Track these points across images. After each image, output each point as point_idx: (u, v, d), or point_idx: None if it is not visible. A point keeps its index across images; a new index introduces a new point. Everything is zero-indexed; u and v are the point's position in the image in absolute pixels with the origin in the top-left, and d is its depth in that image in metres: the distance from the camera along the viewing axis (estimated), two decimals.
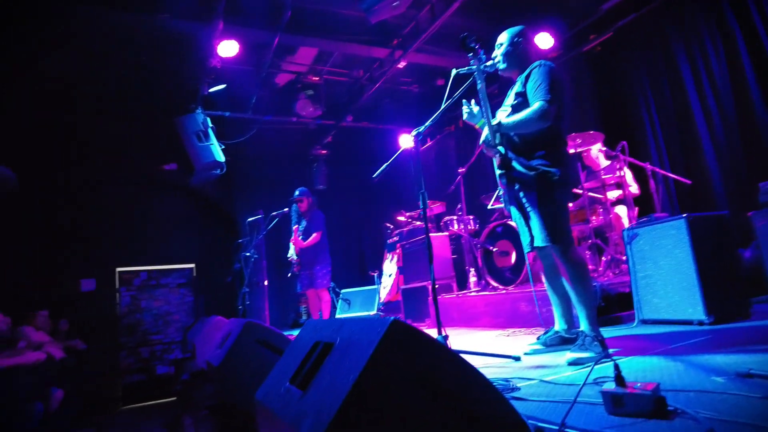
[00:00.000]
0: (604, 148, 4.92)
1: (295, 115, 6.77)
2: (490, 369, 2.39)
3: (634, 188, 4.93)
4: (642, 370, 1.91)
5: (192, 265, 8.38)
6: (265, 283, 5.58)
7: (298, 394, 1.37)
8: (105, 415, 6.86)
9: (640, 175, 4.92)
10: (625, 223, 4.71)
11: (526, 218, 2.64)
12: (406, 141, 8.54)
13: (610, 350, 2.44)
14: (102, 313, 7.45)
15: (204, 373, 4.52)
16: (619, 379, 1.39)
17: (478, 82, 2.55)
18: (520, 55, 2.72)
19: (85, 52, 5.07)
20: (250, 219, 6.21)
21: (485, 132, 2.59)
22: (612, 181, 4.75)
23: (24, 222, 6.78)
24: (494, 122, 2.55)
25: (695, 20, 4.78)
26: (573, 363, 2.27)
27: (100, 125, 6.83)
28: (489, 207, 4.80)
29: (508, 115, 2.57)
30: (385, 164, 2.78)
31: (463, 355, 2.50)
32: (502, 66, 2.74)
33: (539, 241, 2.49)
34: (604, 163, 5.07)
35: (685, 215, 3.05)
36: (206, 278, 8.33)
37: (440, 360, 1.24)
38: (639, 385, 1.37)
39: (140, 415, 6.98)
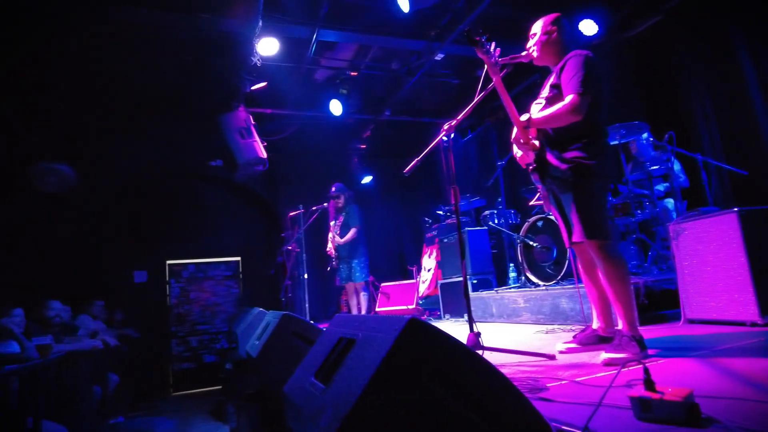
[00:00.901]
0: (651, 139, 4.70)
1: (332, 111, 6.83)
2: (522, 367, 2.34)
3: (683, 180, 4.69)
4: (680, 373, 1.82)
5: (237, 258, 8.65)
6: (305, 276, 5.69)
7: (320, 388, 1.40)
8: (157, 400, 7.22)
9: (690, 167, 4.67)
10: (674, 216, 4.50)
11: (564, 213, 2.57)
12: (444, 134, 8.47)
13: (650, 351, 2.34)
14: (153, 304, 7.83)
15: (245, 362, 4.68)
16: (648, 383, 1.34)
17: (492, 77, 2.48)
18: (555, 44, 2.63)
19: (134, 53, 5.29)
20: (291, 214, 6.34)
21: (515, 129, 2.53)
22: (659, 173, 4.54)
23: (82, 217, 7.19)
24: (524, 118, 2.48)
25: (755, 1, 4.46)
26: (608, 363, 2.21)
27: (150, 124, 7.14)
28: (531, 203, 4.70)
29: (541, 109, 2.49)
30: (417, 159, 2.77)
31: (495, 353, 2.49)
32: (535, 56, 2.67)
33: (577, 236, 2.42)
34: (650, 154, 4.85)
35: (736, 209, 2.89)
36: (251, 271, 8.58)
37: (458, 358, 1.24)
38: (671, 390, 1.31)
39: (189, 401, 7.29)
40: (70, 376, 4.09)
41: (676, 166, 4.66)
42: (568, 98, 2.35)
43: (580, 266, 2.72)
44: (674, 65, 5.21)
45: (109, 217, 7.55)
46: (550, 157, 2.48)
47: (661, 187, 4.74)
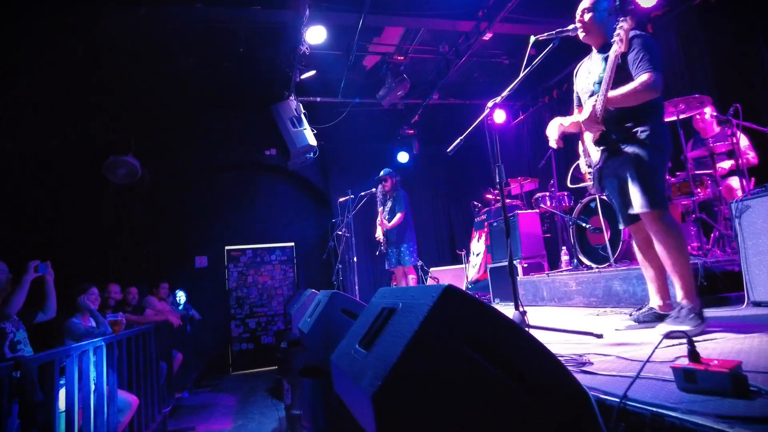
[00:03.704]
0: (714, 113, 4.43)
1: (381, 97, 6.88)
2: (568, 345, 2.33)
3: (751, 156, 4.40)
4: (735, 353, 1.75)
5: (292, 244, 8.95)
6: (354, 260, 5.81)
7: (363, 354, 1.47)
8: (218, 378, 7.64)
9: (761, 143, 4.37)
10: (739, 195, 4.23)
11: (623, 192, 2.53)
12: (499, 116, 8.31)
13: (713, 335, 2.26)
14: (214, 287, 8.27)
15: (299, 342, 4.88)
16: (693, 354, 1.32)
17: (614, 47, 2.39)
18: (604, 22, 2.57)
19: (191, 49, 5.56)
20: (341, 199, 6.48)
21: (587, 107, 2.49)
22: (723, 150, 4.28)
23: (148, 206, 7.67)
24: (592, 102, 2.45)
25: None
26: (668, 336, 2.15)
27: (209, 116, 7.49)
28: (569, 185, 4.57)
29: (608, 89, 2.44)
30: (460, 138, 2.77)
31: (540, 331, 2.48)
32: (582, 34, 2.61)
33: (638, 208, 2.41)
34: (715, 129, 4.57)
35: None
36: (305, 255, 8.87)
37: (493, 324, 1.27)
38: (716, 362, 1.28)
39: (248, 380, 7.68)
40: (141, 351, 4.41)
41: (744, 142, 4.37)
42: (645, 76, 2.33)
43: (636, 245, 2.69)
44: (743, 33, 4.86)
45: (172, 206, 8.01)
46: (614, 136, 2.50)
47: (725, 164, 4.46)
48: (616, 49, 2.39)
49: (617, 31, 2.41)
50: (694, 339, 2.09)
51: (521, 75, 2.71)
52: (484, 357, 1.20)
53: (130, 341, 4.13)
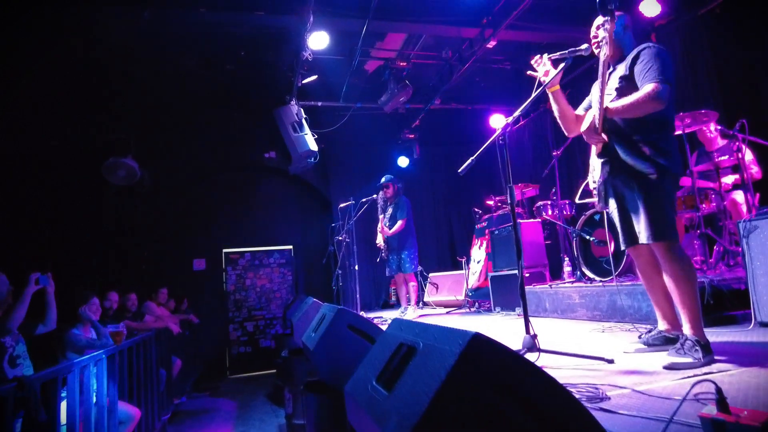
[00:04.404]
0: (720, 127, 4.43)
1: (383, 103, 6.84)
2: (580, 371, 2.31)
3: (755, 170, 4.40)
4: (754, 389, 1.74)
5: (290, 247, 8.91)
6: (356, 267, 5.78)
7: (383, 394, 1.45)
8: (217, 382, 7.61)
9: (765, 156, 4.38)
10: (744, 210, 4.24)
11: (626, 212, 2.49)
12: (497, 121, 8.30)
13: (717, 357, 2.26)
14: (212, 291, 8.22)
15: (301, 351, 4.85)
16: (721, 403, 1.30)
17: (603, 50, 2.34)
18: (623, 39, 2.54)
19: (195, 53, 5.50)
20: (341, 205, 6.44)
21: (588, 118, 2.45)
22: (727, 164, 4.28)
23: (144, 209, 7.62)
24: (595, 113, 2.41)
25: None
26: (668, 367, 2.16)
27: (209, 119, 7.42)
28: (577, 201, 4.56)
29: (613, 99, 2.40)
30: (472, 158, 2.75)
31: (552, 356, 2.47)
32: (597, 50, 2.57)
33: (645, 239, 2.33)
34: (719, 143, 4.57)
35: None
36: (303, 259, 8.83)
37: (522, 372, 1.25)
38: (746, 413, 1.26)
39: (246, 383, 7.64)
40: (141, 360, 4.37)
41: (748, 156, 4.37)
42: (650, 86, 2.25)
43: (638, 269, 2.65)
44: (750, 44, 4.85)
45: (171, 208, 7.95)
46: (621, 152, 2.41)
47: (729, 179, 4.47)
48: (604, 53, 2.34)
49: (601, 32, 2.37)
50: (705, 369, 2.10)
51: (533, 95, 2.69)
52: (516, 409, 1.18)
53: (131, 351, 4.09)
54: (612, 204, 2.58)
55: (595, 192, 2.70)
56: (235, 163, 8.38)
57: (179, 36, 5.36)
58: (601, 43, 2.33)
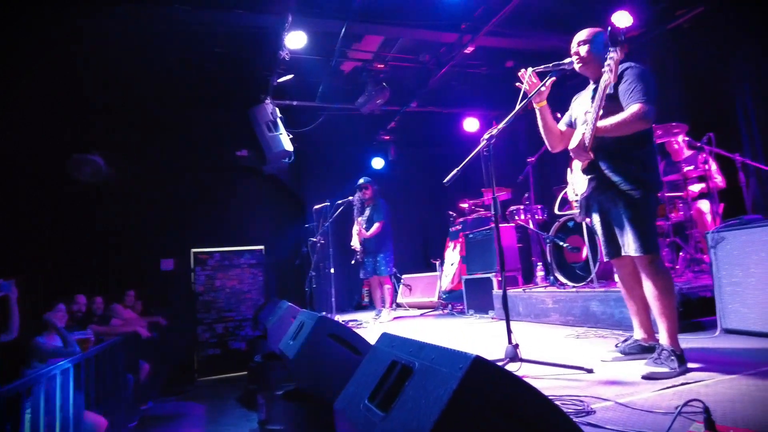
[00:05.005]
0: (688, 138, 4.60)
1: (360, 104, 6.81)
2: (561, 381, 2.35)
3: (719, 180, 4.59)
4: (729, 401, 1.81)
5: (262, 247, 8.77)
6: (332, 270, 5.73)
7: (379, 415, 1.43)
8: (186, 385, 7.42)
9: (727, 167, 4.57)
10: (709, 219, 4.42)
11: (611, 226, 2.56)
12: (471, 125, 8.38)
13: (690, 365, 2.34)
14: (180, 292, 8.00)
15: (275, 356, 4.78)
16: (709, 422, 1.34)
17: (604, 76, 2.36)
18: (600, 54, 2.58)
19: (168, 49, 5.33)
20: (317, 206, 6.38)
21: (576, 136, 2.49)
22: (694, 174, 4.45)
23: (110, 207, 7.36)
24: (581, 130, 2.46)
25: None
26: (647, 377, 2.23)
27: (180, 116, 7.21)
28: (556, 212, 4.65)
29: (601, 118, 2.45)
30: (457, 169, 2.75)
31: (534, 365, 2.50)
32: (578, 66, 2.62)
33: (631, 252, 2.41)
34: (686, 153, 4.75)
35: None
36: (275, 259, 8.69)
37: (521, 394, 1.25)
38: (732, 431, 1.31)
39: (216, 386, 7.49)
40: (108, 367, 4.22)
41: (713, 166, 4.56)
42: (636, 107, 2.32)
43: (619, 279, 2.72)
44: (715, 59, 5.05)
45: (138, 206, 7.70)
46: (606, 169, 2.48)
47: (696, 188, 4.65)
48: (606, 79, 2.38)
49: (607, 61, 2.42)
50: (681, 379, 2.18)
51: (517, 107, 2.71)
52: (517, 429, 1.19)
53: (98, 358, 3.94)
54: (596, 218, 2.66)
55: (576, 204, 2.75)
56: (206, 161, 8.17)
57: (150, 32, 5.17)
58: (604, 70, 2.37)
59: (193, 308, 8.12)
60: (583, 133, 2.45)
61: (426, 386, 1.32)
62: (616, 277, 2.81)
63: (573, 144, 2.50)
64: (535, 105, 2.72)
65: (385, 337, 1.87)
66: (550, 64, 2.67)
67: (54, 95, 5.90)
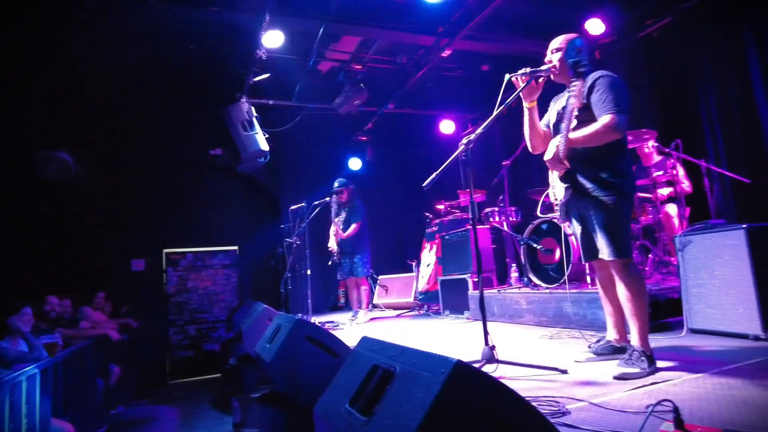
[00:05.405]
0: (657, 144, 4.75)
1: (337, 105, 6.79)
2: (537, 382, 2.40)
3: (686, 185, 4.75)
4: (696, 399, 1.88)
5: (235, 248, 8.65)
6: (308, 272, 5.70)
7: (360, 419, 1.44)
8: (157, 388, 7.26)
9: (693, 173, 4.73)
10: (676, 222, 4.57)
11: (588, 230, 2.63)
12: (447, 127, 8.45)
13: (660, 364, 2.43)
14: (152, 293, 7.83)
15: (250, 358, 4.72)
16: (678, 422, 1.39)
17: (570, 100, 2.47)
18: (576, 62, 2.64)
19: (141, 45, 5.21)
20: (293, 207, 6.33)
21: (551, 147, 2.54)
22: (663, 179, 4.59)
23: (78, 206, 7.14)
24: (557, 141, 2.51)
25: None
26: (619, 378, 2.30)
27: (153, 113, 7.05)
28: (539, 214, 4.74)
29: (574, 129, 2.51)
30: (435, 173, 2.78)
31: (509, 366, 2.55)
32: (557, 73, 2.67)
33: (605, 256, 2.49)
34: (655, 158, 4.90)
35: (745, 225, 2.94)
36: (249, 260, 8.58)
37: (502, 398, 1.28)
38: (700, 430, 1.36)
39: (189, 389, 7.35)
40: (77, 372, 4.11)
41: (680, 172, 4.72)
42: (607, 117, 2.38)
43: (598, 280, 2.80)
44: (683, 69, 5.22)
45: (108, 205, 7.50)
46: (581, 177, 2.54)
47: (664, 192, 4.80)
48: (572, 102, 2.46)
49: (571, 88, 2.50)
50: (651, 378, 2.25)
51: (495, 112, 2.76)
52: None
53: (67, 363, 3.83)
54: (575, 222, 2.73)
55: (557, 207, 2.81)
56: (179, 159, 8.01)
57: (123, 25, 5.04)
58: (571, 94, 2.47)
59: (165, 310, 7.96)
60: (557, 145, 2.50)
61: (408, 390, 1.33)
62: (597, 282, 2.88)
63: (548, 156, 2.57)
64: (526, 105, 2.74)
65: (366, 341, 1.87)
66: (528, 70, 2.71)
67: (20, 90, 5.69)
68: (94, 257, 7.20)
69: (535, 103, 2.76)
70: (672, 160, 4.42)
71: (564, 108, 2.57)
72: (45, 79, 5.59)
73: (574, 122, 2.49)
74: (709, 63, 4.96)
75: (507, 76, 2.74)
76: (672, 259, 4.39)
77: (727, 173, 4.55)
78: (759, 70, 4.53)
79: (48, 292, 5.13)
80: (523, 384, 2.38)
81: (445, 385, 1.21)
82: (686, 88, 5.19)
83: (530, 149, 2.90)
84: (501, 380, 1.33)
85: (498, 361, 2.55)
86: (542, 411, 1.86)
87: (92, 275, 6.98)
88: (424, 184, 2.78)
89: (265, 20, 4.87)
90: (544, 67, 2.70)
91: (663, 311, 3.60)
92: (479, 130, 2.73)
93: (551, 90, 2.86)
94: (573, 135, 2.46)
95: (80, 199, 7.13)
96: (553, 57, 2.69)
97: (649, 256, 4.57)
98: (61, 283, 6.13)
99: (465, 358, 1.35)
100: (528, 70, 2.70)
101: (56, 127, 6.36)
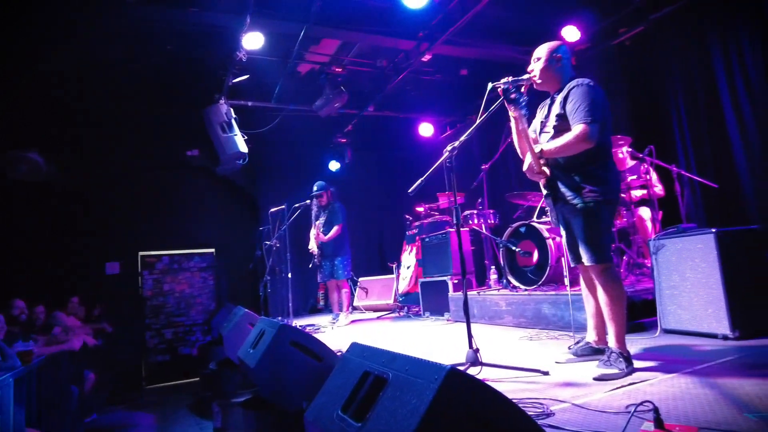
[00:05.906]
0: (631, 150, 4.89)
1: (318, 107, 6.78)
2: (520, 383, 2.46)
3: (659, 189, 4.91)
4: (672, 399, 1.96)
5: (212, 250, 8.53)
6: (289, 275, 5.67)
7: (354, 425, 1.46)
8: (133, 393, 7.11)
9: (665, 177, 4.90)
10: (649, 226, 4.72)
11: (572, 236, 2.69)
12: (426, 130, 8.52)
13: (636, 364, 2.52)
14: (127, 296, 7.66)
15: (231, 363, 4.68)
16: (658, 422, 1.46)
17: (521, 123, 2.59)
18: (558, 70, 2.71)
19: (117, 44, 5.11)
20: (273, 209, 6.29)
21: (528, 158, 2.61)
22: (637, 183, 4.74)
23: (50, 208, 6.95)
24: (537, 149, 2.57)
25: (734, 17, 4.64)
26: (598, 379, 2.38)
27: (129, 113, 6.91)
28: (535, 220, 4.83)
29: (550, 139, 2.58)
30: (420, 180, 2.82)
31: (493, 369, 2.60)
32: (538, 81, 2.74)
33: (585, 261, 2.57)
34: (629, 163, 5.05)
35: (714, 230, 3.06)
36: (226, 263, 8.48)
37: (494, 404, 1.32)
38: (678, 429, 1.43)
39: (166, 394, 7.22)
40: (51, 380, 4.01)
41: (653, 176, 4.87)
42: (578, 128, 2.44)
43: (582, 280, 2.87)
44: (656, 76, 5.40)
45: (79, 206, 7.31)
46: (561, 185, 2.60)
47: (637, 193, 4.94)
48: (522, 124, 2.62)
49: (536, 69, 2.66)
50: (629, 379, 2.33)
51: (478, 120, 2.81)
52: None
53: (41, 371, 3.74)
54: (561, 227, 2.80)
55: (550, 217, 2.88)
56: (155, 160, 7.86)
57: (98, 23, 4.94)
58: (521, 115, 2.61)
59: (140, 313, 7.80)
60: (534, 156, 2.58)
61: (401, 397, 1.36)
62: (581, 281, 2.94)
63: (525, 166, 2.64)
64: (510, 114, 2.73)
65: (355, 347, 1.89)
66: (510, 79, 2.75)
67: None
68: (66, 260, 7.01)
69: (519, 112, 2.80)
70: (645, 165, 4.57)
71: (546, 116, 2.64)
72: (19, 79, 5.43)
73: (551, 132, 2.57)
74: (680, 71, 5.14)
75: (490, 85, 2.78)
76: (646, 261, 4.54)
77: (696, 178, 4.73)
78: (725, 79, 4.72)
79: (19, 296, 4.98)
80: (506, 386, 2.43)
81: (439, 392, 1.25)
82: (658, 95, 5.37)
83: (520, 156, 2.94)
84: (485, 382, 1.37)
85: (482, 364, 2.60)
86: (528, 413, 1.93)
87: (65, 280, 6.80)
88: (409, 191, 2.82)
89: (246, 22, 4.84)
90: (525, 76, 2.74)
91: (638, 312, 3.71)
92: (463, 138, 2.79)
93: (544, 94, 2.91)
94: (547, 146, 2.54)
95: (52, 200, 6.94)
96: (535, 66, 2.75)
97: (624, 258, 4.71)
98: (33, 289, 5.96)
99: (448, 361, 1.39)
100: (510, 78, 2.74)
101: (29, 127, 6.18)
